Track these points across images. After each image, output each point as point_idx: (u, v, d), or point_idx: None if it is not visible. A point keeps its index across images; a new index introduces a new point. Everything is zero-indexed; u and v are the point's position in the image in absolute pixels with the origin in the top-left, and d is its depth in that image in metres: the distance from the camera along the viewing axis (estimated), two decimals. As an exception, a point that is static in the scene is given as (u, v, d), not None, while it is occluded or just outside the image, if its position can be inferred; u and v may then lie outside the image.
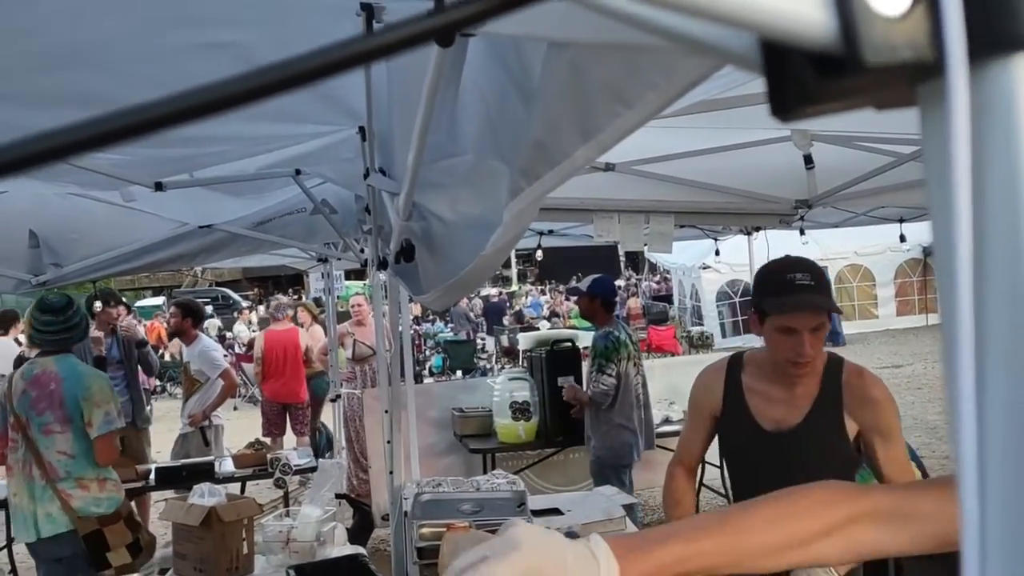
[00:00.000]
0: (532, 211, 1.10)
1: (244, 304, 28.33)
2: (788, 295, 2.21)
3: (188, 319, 6.59)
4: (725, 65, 0.32)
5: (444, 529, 2.90)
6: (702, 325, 18.59)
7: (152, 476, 5.71)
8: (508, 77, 1.02)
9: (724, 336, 18.10)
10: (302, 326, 9.21)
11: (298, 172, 3.76)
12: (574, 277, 6.04)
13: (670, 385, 6.98)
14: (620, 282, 25.04)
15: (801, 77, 0.28)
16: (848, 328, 17.70)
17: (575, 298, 6.41)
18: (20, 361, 5.72)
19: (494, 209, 1.23)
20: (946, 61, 0.25)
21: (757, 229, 6.61)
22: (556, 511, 3.77)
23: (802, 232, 6.20)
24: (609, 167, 4.38)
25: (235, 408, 14.16)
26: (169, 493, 5.53)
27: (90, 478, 4.13)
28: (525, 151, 0.86)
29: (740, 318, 17.59)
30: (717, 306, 18.41)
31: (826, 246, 15.78)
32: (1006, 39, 0.26)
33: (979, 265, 0.27)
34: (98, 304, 6.27)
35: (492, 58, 1.09)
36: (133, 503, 6.18)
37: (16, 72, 1.95)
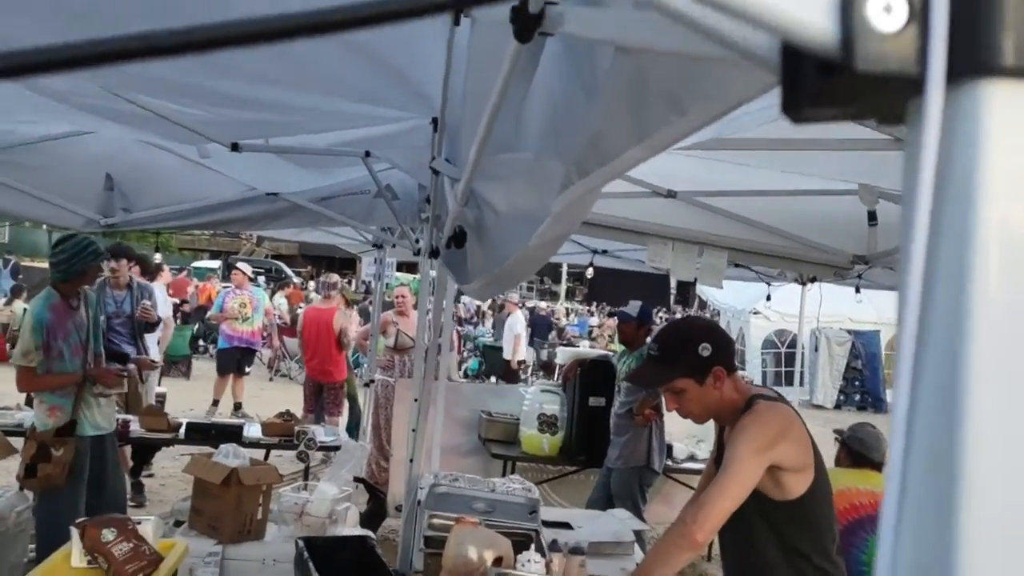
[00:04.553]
0: (579, 210, 1.15)
1: (295, 280, 28.70)
2: None
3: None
4: (775, 86, 0.37)
5: (454, 522, 2.94)
6: (743, 370, 18.35)
7: (182, 430, 5.88)
8: (579, 80, 1.07)
9: (764, 384, 17.80)
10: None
11: (368, 154, 3.84)
12: (628, 303, 6.15)
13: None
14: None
15: (806, 76, 0.33)
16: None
17: (618, 320, 6.57)
18: None
19: (546, 206, 1.27)
20: (927, 76, 0.30)
21: (813, 279, 6.53)
22: (567, 525, 3.78)
23: (857, 290, 6.11)
24: (671, 194, 4.34)
25: (271, 380, 14.39)
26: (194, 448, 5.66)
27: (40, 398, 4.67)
28: (580, 146, 0.91)
29: (783, 369, 17.34)
30: (762, 353, 18.16)
31: (881, 309, 15.45)
32: (981, 64, 0.30)
33: (931, 260, 0.31)
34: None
35: (566, 59, 1.13)
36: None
37: None
